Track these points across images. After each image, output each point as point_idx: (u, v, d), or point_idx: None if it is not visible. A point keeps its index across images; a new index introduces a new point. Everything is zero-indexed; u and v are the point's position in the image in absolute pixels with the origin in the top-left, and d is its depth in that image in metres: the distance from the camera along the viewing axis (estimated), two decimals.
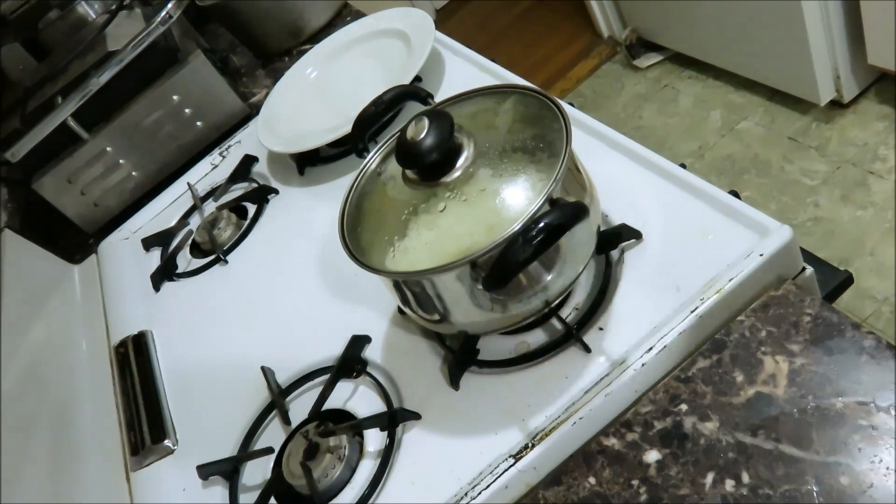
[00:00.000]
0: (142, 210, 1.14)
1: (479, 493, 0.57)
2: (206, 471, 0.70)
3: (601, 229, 0.62)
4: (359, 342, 0.72)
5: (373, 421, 0.65)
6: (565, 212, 0.51)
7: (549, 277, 0.56)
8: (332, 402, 0.70)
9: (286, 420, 0.71)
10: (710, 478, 0.52)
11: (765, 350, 0.56)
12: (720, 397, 0.55)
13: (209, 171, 1.13)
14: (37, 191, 1.12)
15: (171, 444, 0.77)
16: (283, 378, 0.75)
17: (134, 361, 0.87)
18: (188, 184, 1.11)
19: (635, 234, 0.65)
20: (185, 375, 0.84)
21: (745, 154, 1.88)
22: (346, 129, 0.88)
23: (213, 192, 1.07)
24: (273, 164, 1.06)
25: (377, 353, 0.71)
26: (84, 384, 0.89)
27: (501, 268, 0.51)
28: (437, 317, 0.60)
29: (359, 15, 1.28)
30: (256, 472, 0.69)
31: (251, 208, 1.01)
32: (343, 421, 0.67)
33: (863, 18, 1.59)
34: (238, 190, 1.06)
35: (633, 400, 0.58)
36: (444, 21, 2.99)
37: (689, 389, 0.57)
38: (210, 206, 1.05)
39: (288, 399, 0.73)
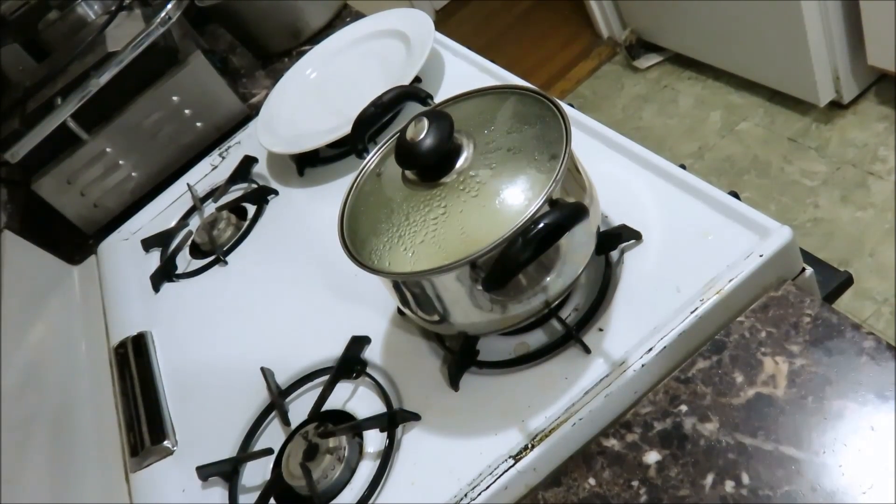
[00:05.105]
0: (141, 211, 1.14)
1: (479, 493, 0.57)
2: (205, 472, 0.70)
3: (601, 230, 0.62)
4: (358, 343, 0.72)
5: (372, 422, 0.65)
6: (565, 212, 0.51)
7: (548, 278, 0.56)
8: (332, 403, 0.70)
9: (286, 421, 0.71)
10: (710, 479, 0.52)
11: (765, 351, 0.56)
12: (720, 398, 0.55)
13: (209, 172, 1.13)
14: (36, 191, 1.12)
15: (170, 445, 0.77)
16: (282, 379, 0.75)
17: (133, 362, 0.87)
18: (188, 184, 1.11)
19: (635, 235, 0.65)
20: (185, 376, 0.84)
21: (745, 155, 1.88)
22: (346, 129, 0.88)
23: (213, 193, 1.07)
24: (273, 164, 1.06)
25: (377, 353, 0.71)
26: (84, 385, 0.89)
27: (501, 268, 0.51)
28: (436, 317, 0.60)
29: (359, 15, 1.28)
30: (256, 473, 0.69)
31: (251, 209, 1.01)
32: (343, 422, 0.67)
33: (863, 19, 1.59)
34: (238, 191, 1.06)
35: (633, 401, 0.58)
36: (444, 21, 2.99)
37: (689, 390, 0.57)
38: (210, 207, 1.05)
39: (287, 400, 0.73)
